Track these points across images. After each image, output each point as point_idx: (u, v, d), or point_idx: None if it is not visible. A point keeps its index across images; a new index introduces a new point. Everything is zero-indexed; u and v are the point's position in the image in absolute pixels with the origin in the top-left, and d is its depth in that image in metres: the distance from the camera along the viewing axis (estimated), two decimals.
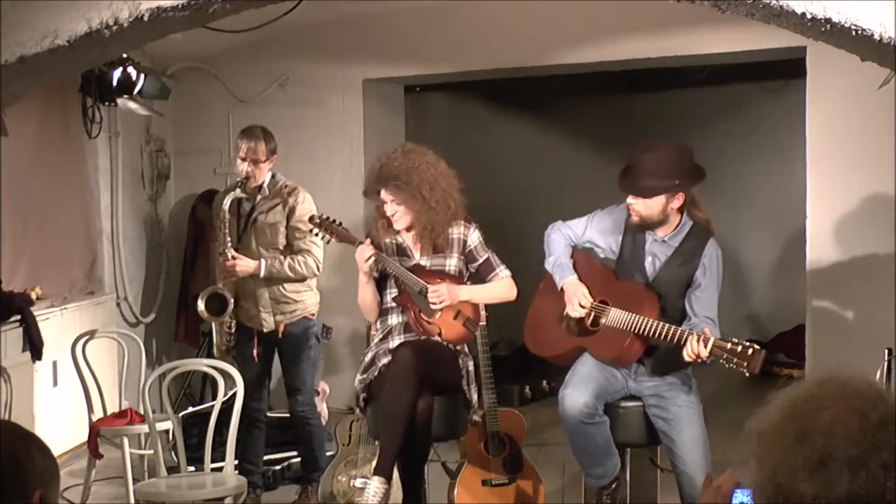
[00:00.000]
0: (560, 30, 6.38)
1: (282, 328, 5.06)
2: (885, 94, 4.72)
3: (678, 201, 4.02)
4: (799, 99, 6.11)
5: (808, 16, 2.88)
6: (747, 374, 3.69)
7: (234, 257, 4.94)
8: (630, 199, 4.03)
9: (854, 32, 2.88)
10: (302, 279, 5.07)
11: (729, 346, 3.70)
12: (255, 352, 5.05)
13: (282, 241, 5.04)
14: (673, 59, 6.34)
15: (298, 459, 5.65)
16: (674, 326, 3.86)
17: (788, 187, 8.07)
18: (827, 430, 1.38)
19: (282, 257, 5.02)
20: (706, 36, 5.95)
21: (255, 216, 5.05)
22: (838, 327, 5.83)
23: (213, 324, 5.02)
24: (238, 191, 5.01)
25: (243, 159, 4.99)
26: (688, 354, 3.78)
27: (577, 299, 4.14)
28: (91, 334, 5.32)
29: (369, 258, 4.24)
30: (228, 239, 4.95)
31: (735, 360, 3.67)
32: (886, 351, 4.17)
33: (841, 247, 5.80)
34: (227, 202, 4.96)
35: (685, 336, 3.79)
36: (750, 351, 3.65)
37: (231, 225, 5.02)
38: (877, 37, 2.86)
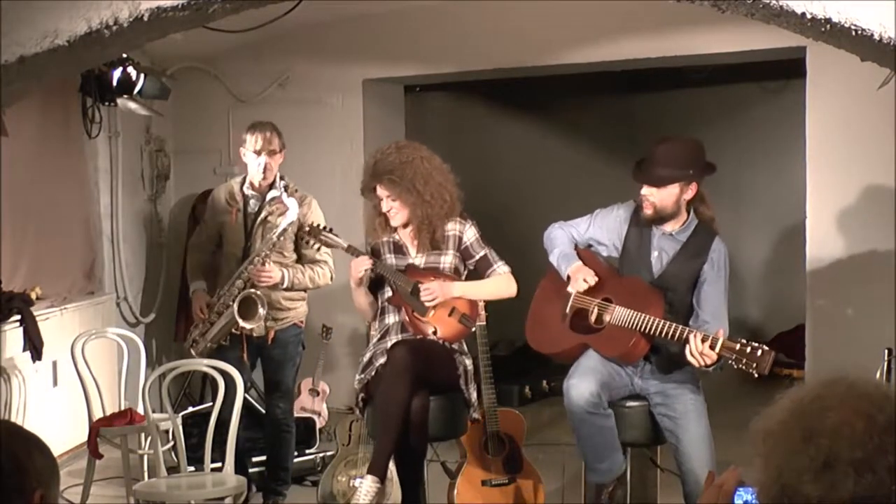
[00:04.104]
0: (560, 30, 6.38)
1: (272, 334, 4.95)
2: (884, 94, 4.72)
3: (691, 192, 4.05)
4: (799, 99, 6.12)
5: (808, 16, 2.88)
6: (756, 376, 3.66)
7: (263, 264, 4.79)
8: (644, 190, 4.05)
9: (854, 32, 2.88)
10: (316, 288, 5.03)
11: (738, 346, 3.68)
12: (244, 356, 4.92)
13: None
14: (673, 59, 6.34)
15: (298, 459, 5.66)
16: (679, 325, 3.85)
17: (788, 187, 8.08)
18: (833, 431, 1.38)
19: (302, 268, 4.92)
20: (706, 36, 5.95)
21: (264, 216, 4.92)
22: (838, 327, 5.83)
23: (220, 324, 4.85)
24: (250, 189, 4.90)
25: (258, 152, 4.84)
26: (690, 355, 3.76)
27: (583, 275, 4.12)
28: (91, 334, 5.32)
29: (363, 270, 4.28)
30: (273, 246, 4.79)
31: (744, 360, 3.65)
32: (886, 351, 4.17)
33: (841, 247, 5.80)
34: (291, 213, 4.72)
35: (690, 335, 3.79)
36: (759, 352, 3.63)
37: (237, 223, 4.94)
38: (877, 37, 2.86)
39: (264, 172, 4.88)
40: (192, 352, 4.93)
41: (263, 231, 4.91)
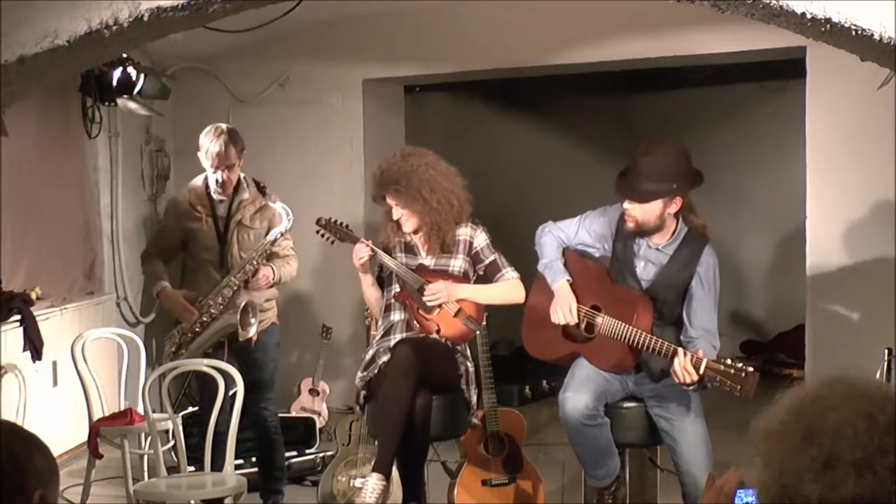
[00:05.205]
0: (560, 30, 6.37)
1: (255, 336, 4.88)
2: (885, 94, 4.71)
3: (675, 206, 3.95)
4: (799, 99, 6.11)
5: (808, 16, 2.88)
6: (740, 396, 3.62)
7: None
8: (627, 204, 3.97)
9: (854, 32, 2.88)
10: (284, 283, 5.05)
11: (722, 367, 3.66)
12: (226, 360, 4.84)
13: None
14: (673, 59, 6.34)
15: (298, 459, 5.67)
16: (666, 343, 3.82)
17: (788, 187, 8.08)
18: (834, 431, 1.38)
19: (282, 263, 4.94)
20: (706, 36, 5.95)
21: (238, 219, 4.88)
22: (838, 327, 5.83)
23: (210, 332, 4.82)
24: (217, 193, 4.86)
25: (216, 168, 4.78)
26: (675, 374, 3.74)
27: (563, 311, 4.12)
28: (91, 334, 5.32)
29: (362, 257, 4.31)
30: (264, 252, 4.83)
31: (729, 382, 3.62)
32: (886, 351, 4.16)
33: (841, 247, 5.80)
34: (281, 220, 4.77)
35: (676, 353, 3.76)
36: (744, 374, 3.61)
37: (209, 228, 4.89)
38: (877, 37, 2.86)
39: (222, 186, 4.84)
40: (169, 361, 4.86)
41: (239, 234, 4.89)
